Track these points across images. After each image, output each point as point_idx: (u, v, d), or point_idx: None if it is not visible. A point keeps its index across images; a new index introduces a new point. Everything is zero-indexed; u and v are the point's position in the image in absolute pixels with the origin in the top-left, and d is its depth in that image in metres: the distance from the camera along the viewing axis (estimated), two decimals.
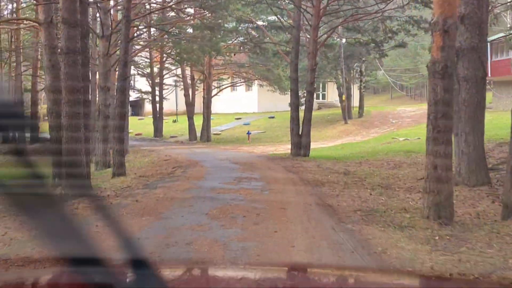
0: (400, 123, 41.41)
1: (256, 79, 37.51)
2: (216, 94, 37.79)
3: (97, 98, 23.49)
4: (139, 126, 48.48)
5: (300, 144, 21.15)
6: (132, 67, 41.98)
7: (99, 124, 21.08)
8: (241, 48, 38.25)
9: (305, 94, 22.92)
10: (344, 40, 35.29)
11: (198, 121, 36.45)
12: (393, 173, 14.28)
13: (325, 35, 23.73)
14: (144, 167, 19.92)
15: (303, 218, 7.63)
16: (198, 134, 35.98)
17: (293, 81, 21.51)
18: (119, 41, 23.00)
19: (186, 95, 36.00)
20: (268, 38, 26.76)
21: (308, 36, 23.66)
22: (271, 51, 27.27)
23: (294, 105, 21.63)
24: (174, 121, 49.26)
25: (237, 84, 41.15)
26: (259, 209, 8.46)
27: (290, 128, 21.67)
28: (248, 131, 34.70)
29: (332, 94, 53.72)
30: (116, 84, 19.93)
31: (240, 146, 30.99)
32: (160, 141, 37.17)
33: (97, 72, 22.42)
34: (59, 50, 11.53)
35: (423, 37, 66.92)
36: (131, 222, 7.44)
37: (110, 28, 20.87)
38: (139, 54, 40.35)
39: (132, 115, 61.72)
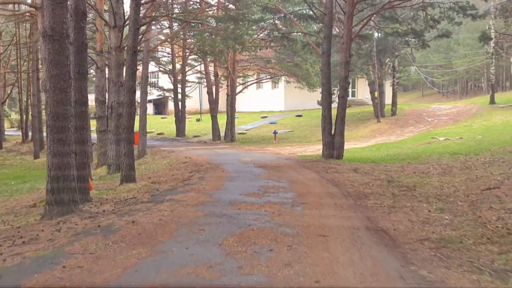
0: (437, 121, 38.86)
1: (283, 75, 35.30)
2: (240, 91, 35.74)
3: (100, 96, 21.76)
4: (161, 125, 46.79)
5: (333, 145, 18.97)
6: (154, 64, 40.29)
7: (112, 124, 19.23)
8: (267, 42, 36.16)
9: (338, 90, 20.64)
10: (377, 34, 32.98)
11: (222, 120, 34.50)
12: (446, 181, 12.01)
13: (360, 25, 21.41)
14: (160, 171, 18.00)
15: (354, 255, 5.50)
16: (222, 133, 34.02)
17: (325, 75, 19.30)
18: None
19: (209, 92, 34.02)
20: (296, 29, 24.55)
21: (341, 26, 21.45)
22: (300, 43, 25.05)
23: (326, 101, 19.43)
24: (198, 120, 47.42)
25: (263, 81, 39.01)
26: (291, 236, 6.36)
27: (322, 127, 19.49)
28: (275, 130, 32.59)
29: (362, 91, 51.31)
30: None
31: (266, 146, 28.90)
32: (182, 141, 35.31)
33: (108, 67, 20.59)
34: (41, 33, 9.57)
35: (457, 31, 63.87)
36: (114, 257, 5.42)
37: (123, 18, 18.97)
38: (161, 49, 38.62)
39: (156, 113, 60.24)
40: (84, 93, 10.76)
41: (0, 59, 40.47)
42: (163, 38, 30.10)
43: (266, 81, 38.95)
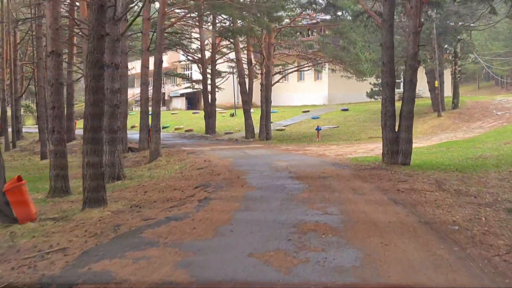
0: (508, 115, 33.14)
1: (327, 62, 30.14)
2: (277, 81, 30.80)
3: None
4: (192, 121, 42.28)
5: (397, 146, 13.91)
6: (182, 52, 35.84)
7: (105, 115, 14.67)
8: (308, 24, 31.14)
9: (404, 72, 15.32)
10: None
11: (258, 115, 29.65)
12: None
13: None
14: (164, 181, 13.41)
15: None
16: (257, 130, 29.17)
17: (386, 51, 14.17)
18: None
19: (241, 82, 29.22)
20: None
21: None
22: (351, 12, 19.90)
23: (388, 87, 14.35)
24: (232, 115, 42.74)
25: (304, 69, 33.86)
26: None
27: (382, 122, 14.42)
28: (318, 126, 27.58)
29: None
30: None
31: (307, 145, 23.96)
32: (211, 139, 30.71)
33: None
34: None
35: None
36: None
37: None
38: (188, 35, 34.17)
39: (188, 108, 55.85)
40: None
41: (17, 49, 36.62)
42: (181, 13, 25.35)
43: (308, 69, 33.79)
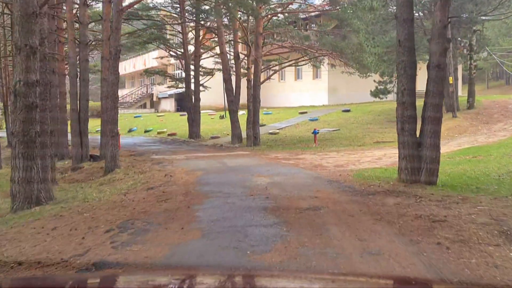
0: None
1: (327, 55, 26.06)
2: (269, 78, 26.80)
3: None
4: (178, 123, 38.25)
5: (419, 158, 9.90)
6: (163, 46, 31.93)
7: (17, 117, 10.69)
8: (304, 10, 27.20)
9: (430, 56, 11.12)
10: None
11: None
12: None
13: None
14: (91, 210, 9.41)
15: None
16: (245, 134, 25.14)
17: (404, 24, 10.06)
18: None
19: (226, 79, 25.17)
20: None
21: None
22: None
23: (406, 75, 10.30)
24: (222, 117, 38.75)
25: (300, 63, 29.68)
26: None
27: (398, 125, 10.35)
28: (315, 129, 23.53)
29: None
30: None
31: (301, 153, 19.99)
32: (193, 144, 26.75)
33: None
34: None
35: None
36: None
37: None
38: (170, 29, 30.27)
39: (178, 110, 51.77)
40: None
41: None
42: None
43: (304, 64, 29.49)
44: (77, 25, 21.14)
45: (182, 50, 29.92)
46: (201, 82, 30.53)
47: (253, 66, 23.18)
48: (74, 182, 16.11)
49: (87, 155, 20.45)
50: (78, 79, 20.64)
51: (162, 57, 41.13)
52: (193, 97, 29.63)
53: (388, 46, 25.76)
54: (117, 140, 16.59)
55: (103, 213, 8.86)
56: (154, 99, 55.57)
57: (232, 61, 27.31)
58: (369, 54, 24.87)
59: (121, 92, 63.92)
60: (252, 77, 23.01)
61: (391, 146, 20.93)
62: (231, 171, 14.22)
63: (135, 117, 47.38)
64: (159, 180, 12.99)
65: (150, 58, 52.99)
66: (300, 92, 44.52)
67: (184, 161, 17.92)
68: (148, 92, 56.85)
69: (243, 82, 25.99)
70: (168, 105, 52.80)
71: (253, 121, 23.30)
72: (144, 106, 56.77)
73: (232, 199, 8.95)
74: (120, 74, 18.78)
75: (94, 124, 29.08)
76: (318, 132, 23.43)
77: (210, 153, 20.86)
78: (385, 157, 17.34)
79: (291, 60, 27.23)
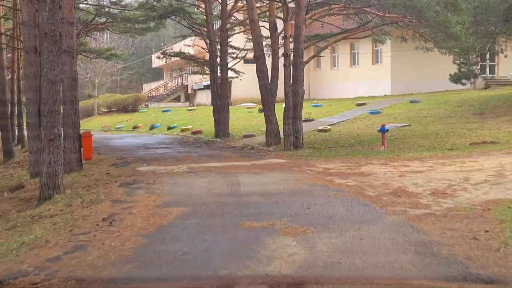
0: None
1: (397, 21, 18.64)
2: (314, 57, 19.76)
3: None
4: (207, 119, 31.45)
5: None
6: (185, 23, 25.47)
7: None
8: None
9: None
10: None
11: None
12: None
13: None
14: None
15: None
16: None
17: None
18: None
19: (257, 56, 18.31)
20: None
21: None
22: None
23: None
24: (261, 111, 31.81)
25: (357, 37, 22.28)
26: None
27: None
28: (382, 126, 16.26)
29: (507, 65, 33.27)
30: None
31: (365, 161, 12.94)
32: (215, 146, 20.14)
33: None
34: None
35: None
36: None
37: None
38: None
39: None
40: None
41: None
42: None
43: (363, 37, 22.25)
44: None
45: (206, 26, 23.29)
46: (231, 66, 23.83)
47: (291, 34, 16.21)
48: None
49: None
50: None
51: (192, 44, 34.58)
52: (219, 85, 22.96)
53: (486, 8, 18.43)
54: (59, 147, 9.96)
55: None
56: (189, 91, 49.30)
57: (267, 33, 20.37)
58: (454, 24, 17.30)
59: (148, 86, 58.08)
60: (288, 49, 16.03)
61: (499, 149, 13.78)
62: (235, 209, 7.45)
63: (163, 111, 41.30)
64: (84, 228, 6.39)
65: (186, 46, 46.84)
66: (356, 80, 37.26)
67: (178, 177, 11.25)
68: (183, 83, 50.62)
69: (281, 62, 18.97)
70: (204, 97, 46.40)
71: (294, 115, 16.33)
72: (178, 99, 50.62)
73: None
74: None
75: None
76: (387, 130, 16.25)
77: (227, 162, 14.05)
78: (507, 171, 10.21)
79: (345, 30, 20.01)
